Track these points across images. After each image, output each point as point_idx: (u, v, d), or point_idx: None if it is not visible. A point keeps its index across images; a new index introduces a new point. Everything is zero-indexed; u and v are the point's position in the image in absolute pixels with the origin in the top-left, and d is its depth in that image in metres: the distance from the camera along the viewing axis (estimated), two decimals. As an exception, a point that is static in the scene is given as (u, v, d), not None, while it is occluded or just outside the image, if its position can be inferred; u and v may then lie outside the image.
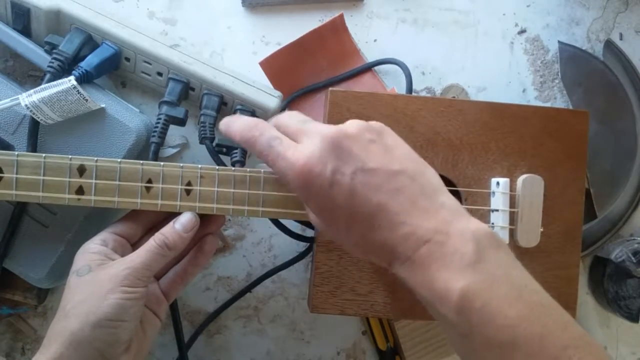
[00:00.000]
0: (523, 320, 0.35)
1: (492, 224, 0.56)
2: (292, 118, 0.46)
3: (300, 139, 0.43)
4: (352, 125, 0.42)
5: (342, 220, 0.41)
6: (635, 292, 0.65)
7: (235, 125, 0.47)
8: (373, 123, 0.44)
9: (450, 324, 0.37)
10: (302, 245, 0.64)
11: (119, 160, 0.49)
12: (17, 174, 0.47)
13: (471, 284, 0.36)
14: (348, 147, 0.41)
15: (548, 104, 0.69)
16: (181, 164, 0.49)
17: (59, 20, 0.57)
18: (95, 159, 0.48)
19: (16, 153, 0.47)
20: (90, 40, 0.58)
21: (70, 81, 0.53)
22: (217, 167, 0.50)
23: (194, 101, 0.61)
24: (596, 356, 0.36)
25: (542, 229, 0.56)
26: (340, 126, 0.42)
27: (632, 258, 0.64)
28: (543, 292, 0.38)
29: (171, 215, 0.50)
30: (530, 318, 0.36)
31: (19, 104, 0.51)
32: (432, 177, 0.42)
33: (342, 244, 0.44)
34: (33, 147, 0.53)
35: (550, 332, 0.36)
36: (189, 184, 0.50)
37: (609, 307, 0.66)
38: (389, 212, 0.39)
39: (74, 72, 0.54)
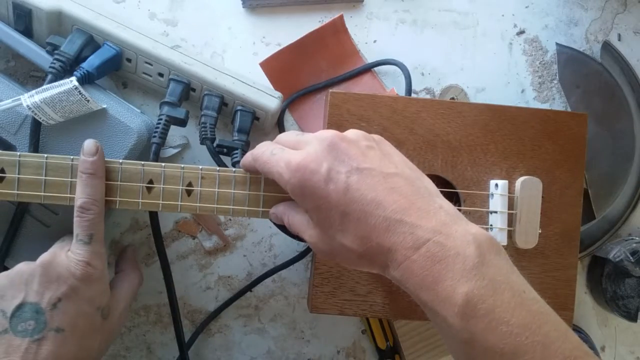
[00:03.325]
0: (525, 329, 0.35)
1: (491, 225, 0.57)
2: (290, 134, 0.47)
3: (300, 147, 0.43)
4: (351, 131, 0.43)
5: (337, 220, 0.40)
6: (633, 291, 0.65)
7: (248, 155, 0.49)
8: (374, 135, 0.44)
9: (451, 329, 0.36)
10: (302, 245, 0.65)
11: (120, 160, 0.49)
12: (19, 174, 0.48)
13: (475, 289, 0.36)
14: (345, 149, 0.41)
15: (547, 105, 0.70)
16: (182, 165, 0.50)
17: (60, 21, 0.57)
18: (97, 159, 0.49)
19: (18, 153, 0.48)
20: (92, 41, 0.58)
21: (71, 82, 0.53)
22: (217, 168, 0.51)
23: (195, 102, 0.61)
24: None
25: (540, 231, 0.56)
26: (339, 132, 0.43)
27: (630, 257, 0.64)
28: (541, 300, 0.38)
29: None
30: (532, 327, 0.35)
31: (21, 104, 0.51)
32: (428, 183, 0.42)
33: (338, 256, 0.43)
34: (35, 147, 0.54)
35: (551, 341, 0.35)
36: (189, 184, 0.50)
37: (607, 306, 0.66)
38: (385, 209, 0.39)
39: (75, 72, 0.55)
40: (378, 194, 0.39)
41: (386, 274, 0.40)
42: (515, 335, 0.35)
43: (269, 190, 0.51)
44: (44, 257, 0.48)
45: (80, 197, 0.48)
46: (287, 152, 0.43)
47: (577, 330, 0.68)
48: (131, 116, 0.56)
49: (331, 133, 0.42)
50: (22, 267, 0.47)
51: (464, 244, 0.37)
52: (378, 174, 0.40)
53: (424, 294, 0.37)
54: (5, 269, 0.55)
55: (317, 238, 0.43)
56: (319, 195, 0.40)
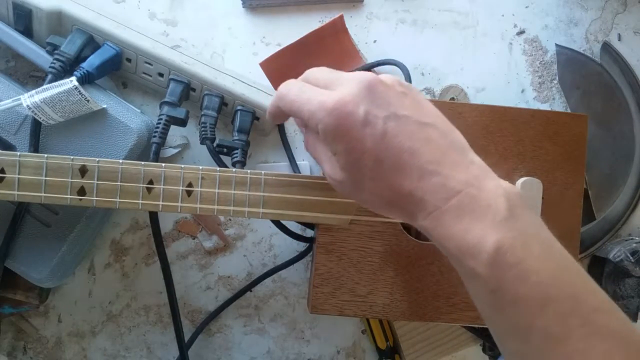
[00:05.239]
0: (555, 280, 0.35)
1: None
2: (321, 71, 0.44)
3: (333, 87, 0.41)
4: (387, 76, 0.42)
5: (368, 165, 0.39)
6: (633, 291, 0.65)
7: (271, 102, 0.46)
8: (403, 81, 0.43)
9: (479, 279, 0.36)
10: (302, 245, 0.65)
11: (120, 161, 0.49)
12: (19, 174, 0.48)
13: (505, 239, 0.35)
14: (383, 93, 0.40)
15: (547, 105, 0.70)
16: (182, 165, 0.50)
17: (60, 21, 0.57)
18: (97, 159, 0.48)
19: (18, 153, 0.48)
20: (92, 41, 0.58)
21: (71, 82, 0.53)
22: (217, 169, 0.50)
23: (195, 102, 0.61)
24: (622, 320, 0.36)
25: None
26: (375, 75, 0.41)
27: (630, 258, 0.64)
28: (569, 256, 0.38)
29: None
30: (561, 279, 0.35)
31: (21, 104, 0.51)
32: (460, 136, 0.42)
33: (363, 198, 0.42)
34: (35, 147, 0.54)
35: (580, 293, 0.35)
36: (189, 185, 0.50)
37: (607, 306, 0.66)
38: (420, 158, 0.38)
39: (75, 72, 0.55)
40: (414, 143, 0.38)
41: (412, 222, 0.40)
42: (545, 286, 0.35)
43: (270, 191, 0.51)
44: None
45: None
46: (319, 91, 0.41)
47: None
48: (131, 116, 0.56)
49: (369, 75, 0.40)
50: None
51: (495, 197, 0.37)
52: (414, 122, 0.39)
53: (452, 243, 0.37)
54: (6, 269, 0.55)
55: (343, 182, 0.41)
56: (354, 137, 0.39)
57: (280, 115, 0.45)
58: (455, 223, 0.37)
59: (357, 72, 0.41)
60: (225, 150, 0.58)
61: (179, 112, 0.57)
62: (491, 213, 0.36)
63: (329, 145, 0.41)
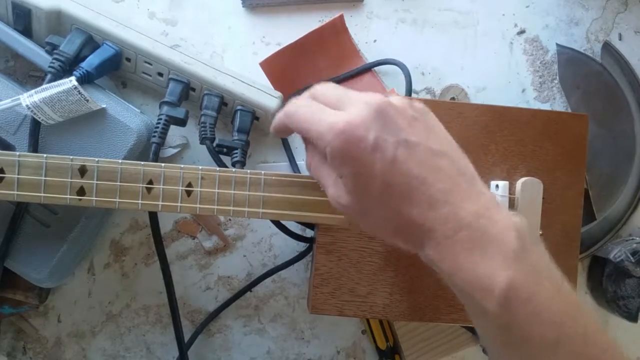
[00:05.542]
0: (567, 319, 0.35)
1: (491, 225, 0.56)
2: (329, 87, 0.43)
3: (343, 107, 0.40)
4: (398, 99, 0.41)
5: (376, 191, 0.38)
6: (634, 291, 0.65)
7: (279, 114, 0.45)
8: (417, 102, 0.42)
9: (488, 314, 0.35)
10: (302, 245, 0.65)
11: (120, 161, 0.49)
12: (18, 174, 0.48)
13: (517, 275, 0.35)
14: (393, 118, 0.39)
15: (547, 104, 0.70)
16: (181, 165, 0.50)
17: (59, 21, 0.57)
18: (97, 159, 0.48)
19: (17, 153, 0.48)
20: (91, 41, 0.58)
21: (71, 81, 0.53)
22: (217, 169, 0.50)
23: (195, 101, 0.61)
24: None
25: (540, 232, 0.56)
26: (386, 97, 0.40)
27: (631, 258, 0.64)
28: (574, 292, 0.38)
29: None
30: (572, 317, 0.35)
31: (20, 104, 0.51)
32: (470, 165, 0.41)
33: (368, 224, 0.41)
34: (34, 147, 0.53)
35: (591, 332, 0.35)
36: (189, 185, 0.50)
37: (607, 306, 0.66)
38: (430, 187, 0.37)
39: (74, 72, 0.55)
40: (423, 170, 0.38)
41: (418, 251, 0.39)
42: (557, 324, 0.34)
43: (270, 191, 0.51)
44: None
45: None
46: (329, 112, 0.40)
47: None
48: (131, 116, 0.56)
49: (379, 97, 0.39)
50: None
51: (506, 230, 0.36)
52: (425, 149, 0.39)
53: (461, 276, 0.36)
54: (6, 269, 0.55)
55: (348, 206, 0.41)
56: (363, 162, 0.38)
57: (286, 131, 0.45)
58: (465, 255, 0.36)
59: (368, 93, 0.40)
60: (225, 150, 0.58)
61: (179, 112, 0.57)
62: (502, 247, 0.36)
63: (336, 168, 0.40)
